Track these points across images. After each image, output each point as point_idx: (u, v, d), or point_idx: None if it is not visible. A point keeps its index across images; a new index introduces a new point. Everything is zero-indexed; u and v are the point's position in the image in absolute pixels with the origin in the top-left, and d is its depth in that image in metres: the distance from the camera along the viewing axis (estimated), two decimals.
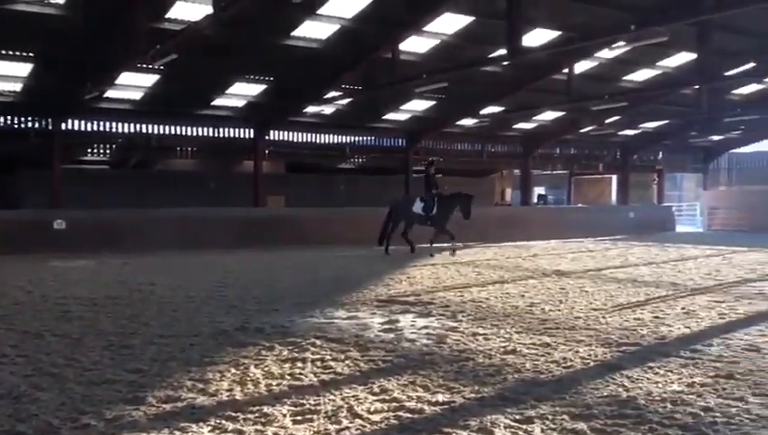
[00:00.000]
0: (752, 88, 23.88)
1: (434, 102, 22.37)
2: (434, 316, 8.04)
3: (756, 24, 17.31)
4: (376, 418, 4.34)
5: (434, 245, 16.80)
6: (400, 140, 25.71)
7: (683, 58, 19.31)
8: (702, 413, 4.39)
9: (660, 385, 5.04)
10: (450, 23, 16.03)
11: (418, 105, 22.79)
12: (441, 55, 17.46)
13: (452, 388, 4.99)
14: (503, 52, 14.36)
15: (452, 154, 27.50)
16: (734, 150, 31.85)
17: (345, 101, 21.51)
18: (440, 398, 4.74)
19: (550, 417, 4.32)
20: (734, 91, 24.02)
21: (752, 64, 20.26)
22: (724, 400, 4.68)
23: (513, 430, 4.11)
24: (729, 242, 21.51)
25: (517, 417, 4.33)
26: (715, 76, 18.62)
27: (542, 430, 4.09)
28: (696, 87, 20.39)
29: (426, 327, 7.32)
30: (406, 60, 17.06)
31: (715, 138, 30.99)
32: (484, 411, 4.44)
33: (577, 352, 6.15)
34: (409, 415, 4.41)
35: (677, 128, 29.13)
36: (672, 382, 5.12)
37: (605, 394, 4.82)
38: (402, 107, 22.90)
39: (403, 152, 25.68)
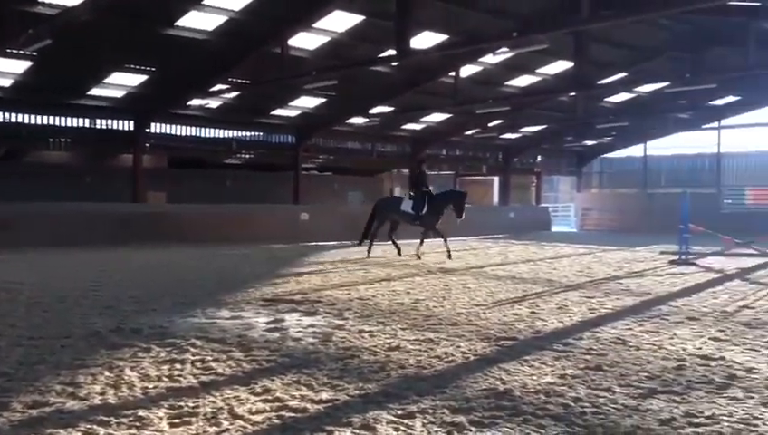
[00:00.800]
0: (622, 96, 25.45)
1: (324, 100, 22.32)
2: (320, 315, 8.01)
3: (628, 37, 18.47)
4: (257, 418, 4.26)
5: (422, 244, 15.96)
6: (290, 137, 25.45)
7: (561, 66, 20.28)
8: (573, 404, 4.61)
9: (535, 377, 5.26)
10: (340, 21, 16.04)
11: (308, 102, 22.65)
12: (331, 53, 17.44)
13: (336, 386, 4.98)
14: (392, 52, 14.54)
15: (342, 152, 27.56)
16: (605, 155, 33.81)
17: (232, 95, 21.04)
18: (324, 396, 4.72)
19: (431, 411, 4.40)
20: (607, 99, 25.51)
21: (623, 74, 21.60)
22: (593, 390, 4.94)
23: (394, 425, 4.15)
24: (600, 241, 22.86)
25: (399, 412, 4.38)
26: (590, 84, 19.71)
27: (423, 425, 4.16)
28: (573, 94, 21.50)
29: (312, 326, 7.28)
30: (295, 56, 16.89)
31: (589, 143, 32.83)
32: (368, 408, 4.46)
33: (458, 347, 6.31)
34: (292, 414, 4.36)
35: (555, 133, 30.61)
36: (546, 374, 5.35)
37: (483, 387, 4.97)
38: (291, 103, 22.69)
39: (293, 149, 25.44)
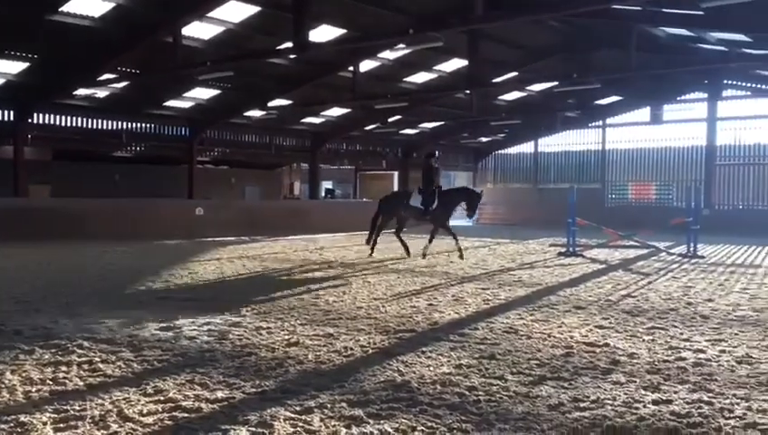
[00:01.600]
0: (515, 95, 26.31)
1: (219, 92, 21.75)
2: (216, 312, 7.81)
3: (520, 37, 19.10)
4: (149, 420, 4.10)
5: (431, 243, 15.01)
6: (183, 129, 24.64)
7: (456, 64, 20.71)
8: (467, 392, 4.72)
9: (432, 368, 5.35)
10: (236, 11, 15.66)
11: (203, 93, 22.00)
12: (226, 44, 17.00)
13: (232, 384, 4.88)
14: (289, 45, 14.36)
15: (239, 146, 26.99)
16: (499, 151, 34.90)
17: (122, 85, 20.13)
18: (219, 395, 4.61)
19: (329, 406, 4.39)
20: (500, 97, 26.30)
21: (515, 73, 22.32)
22: (487, 379, 5.08)
23: (292, 421, 4.11)
24: (494, 234, 23.60)
25: (297, 408, 4.34)
26: (484, 82, 20.25)
27: (321, 420, 4.14)
28: (468, 92, 22.01)
29: (207, 324, 7.09)
30: (189, 46, 16.35)
31: (484, 139, 33.76)
32: (265, 405, 4.40)
33: (357, 340, 6.33)
34: (186, 415, 4.23)
35: (451, 129, 31.26)
36: (442, 365, 5.46)
37: (382, 380, 5.01)
38: (185, 94, 21.97)
39: (187, 142, 24.67)
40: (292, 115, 25.80)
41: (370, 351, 5.97)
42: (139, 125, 23.93)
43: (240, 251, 16.19)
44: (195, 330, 6.78)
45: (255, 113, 24.46)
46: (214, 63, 15.90)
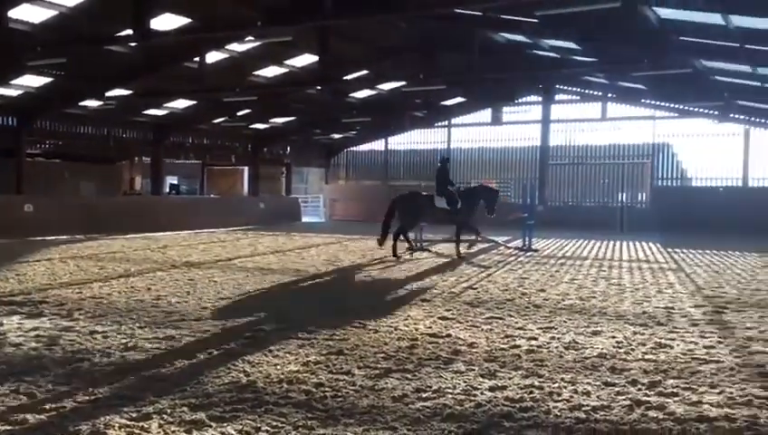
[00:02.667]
0: (366, 93, 26.67)
1: (52, 79, 20.18)
2: (46, 316, 7.26)
3: (370, 36, 19.36)
4: None
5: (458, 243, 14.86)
6: (11, 119, 22.62)
7: (307, 59, 20.63)
8: (314, 389, 4.72)
9: (278, 367, 5.29)
10: None
11: (33, 81, 20.30)
12: (60, 28, 15.79)
13: (63, 392, 4.57)
14: (129, 32, 13.61)
15: (74, 138, 25.21)
16: (351, 148, 35.25)
17: None
18: (48, 405, 4.29)
19: (169, 411, 4.21)
20: (352, 95, 26.54)
21: (365, 72, 22.63)
22: (334, 375, 5.11)
23: (128, 428, 3.90)
24: (347, 231, 23.81)
25: (134, 415, 4.14)
26: (335, 79, 20.34)
27: (160, 425, 3.97)
28: (319, 88, 22.02)
29: (35, 329, 6.57)
30: (16, 29, 15.02)
31: (336, 136, 33.95)
32: (98, 413, 4.15)
33: (201, 342, 6.12)
34: (9, 427, 3.89)
35: (304, 125, 31.14)
36: (289, 363, 5.42)
37: (226, 381, 4.88)
38: (13, 82, 20.17)
39: (14, 133, 22.66)
40: (133, 106, 24.48)
41: (215, 352, 5.80)
42: None
43: (74, 251, 15.15)
44: (21, 336, 6.26)
45: (93, 103, 22.97)
46: (45, 49, 14.72)
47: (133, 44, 16.24)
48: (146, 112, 25.76)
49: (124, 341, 6.13)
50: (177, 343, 6.10)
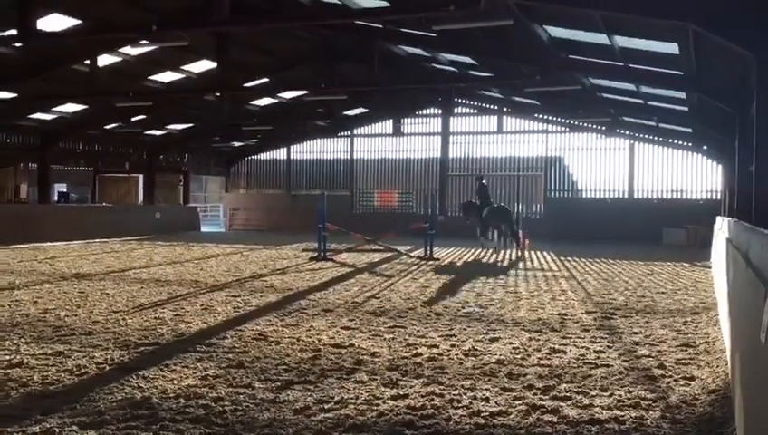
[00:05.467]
0: (267, 101, 26.37)
1: None
2: None
3: (271, 45, 19.18)
4: None
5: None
6: None
7: (205, 65, 20.18)
8: (213, 404, 4.59)
9: (176, 381, 5.12)
10: None
11: None
12: None
13: None
14: (13, 32, 12.84)
15: None
16: (252, 156, 34.70)
17: None
18: None
19: (57, 430, 3.99)
20: (253, 102, 26.17)
21: (266, 79, 22.38)
22: (234, 388, 4.99)
23: None
24: (247, 240, 23.40)
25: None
26: (234, 86, 20.01)
27: None
28: (218, 94, 21.58)
29: None
30: None
31: (237, 144, 33.32)
32: None
33: (93, 357, 5.84)
34: None
35: (202, 132, 30.39)
36: (187, 377, 5.25)
37: (119, 398, 4.67)
38: None
39: None
40: (18, 110, 23.11)
41: (107, 368, 5.54)
42: None
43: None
44: None
45: None
46: None
47: (17, 45, 15.38)
48: (32, 117, 24.36)
49: (8, 357, 5.75)
50: (65, 358, 5.78)
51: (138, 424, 4.14)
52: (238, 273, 13.18)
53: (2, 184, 29.79)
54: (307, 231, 22.13)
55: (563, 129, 28.33)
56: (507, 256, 17.33)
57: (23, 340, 6.52)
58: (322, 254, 16.25)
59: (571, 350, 6.44)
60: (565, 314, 8.53)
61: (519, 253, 18.05)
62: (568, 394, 4.94)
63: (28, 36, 12.21)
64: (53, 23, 14.76)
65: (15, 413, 4.29)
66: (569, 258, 17.40)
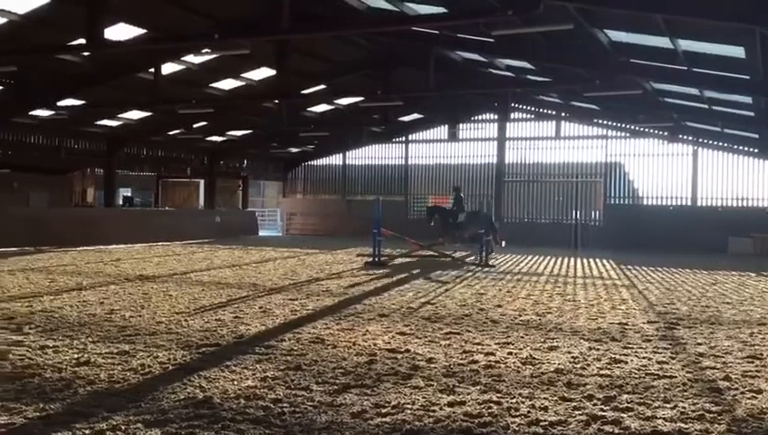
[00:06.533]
0: (323, 107, 26.67)
1: (0, 88, 19.65)
2: None
3: (328, 52, 19.41)
4: None
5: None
6: None
7: (265, 73, 20.54)
8: (272, 405, 4.66)
9: (236, 382, 5.22)
10: (21, 1, 14.25)
11: None
12: (10, 36, 15.40)
13: (12, 408, 4.43)
14: (82, 41, 13.35)
15: (23, 148, 24.55)
16: (309, 162, 35.13)
17: None
18: None
19: (123, 427, 4.12)
20: (310, 109, 26.50)
21: (323, 86, 22.64)
22: (292, 390, 5.06)
23: None
24: (304, 245, 23.69)
25: (87, 431, 4.04)
26: (293, 93, 20.30)
27: None
28: (277, 101, 21.94)
29: None
30: None
31: (294, 150, 33.80)
32: (50, 430, 4.04)
33: (156, 357, 6.01)
34: None
35: (261, 138, 30.93)
36: (247, 378, 5.35)
37: (182, 397, 4.79)
38: None
39: None
40: (86, 116, 24.00)
41: (170, 367, 5.69)
42: None
43: (23, 263, 14.71)
44: None
45: (43, 113, 22.44)
46: None
47: (86, 54, 15.96)
48: (99, 123, 25.27)
49: (76, 356, 5.97)
50: (130, 358, 5.96)
51: (200, 423, 4.24)
52: (295, 277, 13.36)
53: (70, 188, 30.90)
54: (362, 236, 22.24)
55: (623, 134, 27.72)
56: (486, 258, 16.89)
57: (90, 339, 6.75)
58: (377, 259, 16.31)
59: (632, 360, 6.30)
60: (626, 324, 8.34)
61: (489, 253, 17.80)
62: (629, 405, 4.84)
63: (96, 46, 12.66)
64: (120, 32, 15.27)
65: (83, 410, 4.44)
66: (629, 267, 17.01)
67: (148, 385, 5.11)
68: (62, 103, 21.13)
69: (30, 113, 22.30)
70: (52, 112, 21.96)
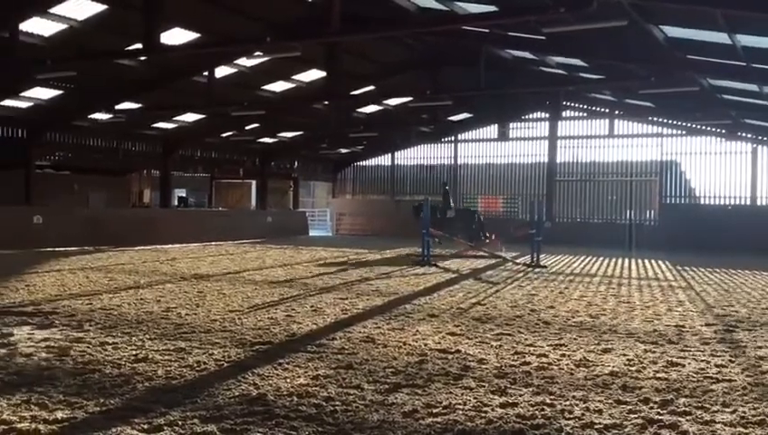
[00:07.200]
0: (373, 108, 26.78)
1: (61, 92, 20.34)
2: (56, 327, 7.29)
3: (376, 53, 19.49)
4: None
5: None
6: (20, 131, 22.77)
7: (315, 75, 20.75)
8: (324, 403, 4.71)
9: (288, 380, 5.29)
10: (80, 8, 14.72)
11: (42, 93, 20.46)
12: (70, 42, 15.95)
13: (74, 403, 4.57)
14: (139, 46, 13.72)
15: (83, 150, 25.37)
16: (358, 163, 35.34)
17: None
18: (60, 415, 4.30)
19: (180, 423, 4.21)
20: (359, 110, 26.66)
21: (372, 87, 22.73)
22: (344, 388, 5.10)
23: None
24: (353, 245, 23.82)
25: (145, 426, 4.14)
26: (342, 95, 20.45)
27: None
28: (326, 103, 22.13)
29: (46, 339, 6.60)
30: (27, 42, 15.18)
31: (343, 151, 34.06)
32: (110, 424, 4.15)
33: (211, 354, 6.13)
34: None
35: (311, 139, 31.26)
36: (299, 376, 5.41)
37: (236, 394, 4.88)
38: (22, 94, 20.32)
39: (23, 145, 22.81)
40: (143, 119, 24.66)
41: (225, 364, 5.80)
42: None
43: (83, 262, 15.20)
44: (32, 346, 6.28)
45: (102, 116, 23.14)
46: (56, 62, 14.85)
47: (143, 58, 16.39)
48: (155, 126, 25.94)
49: (134, 352, 6.13)
50: (186, 354, 6.10)
51: (254, 420, 4.31)
52: (345, 276, 13.44)
53: (128, 189, 31.80)
54: (410, 236, 22.24)
55: (680, 132, 27.03)
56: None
57: (147, 336, 6.93)
58: (426, 259, 16.29)
59: (689, 363, 6.14)
60: (683, 326, 8.14)
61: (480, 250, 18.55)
62: (687, 409, 4.72)
63: (153, 50, 12.99)
64: (175, 37, 15.63)
65: (141, 406, 4.56)
66: (685, 268, 16.58)
67: (203, 382, 5.22)
68: (119, 107, 21.75)
69: (89, 117, 23.02)
70: (111, 116, 22.61)
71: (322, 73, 19.75)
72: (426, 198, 18.94)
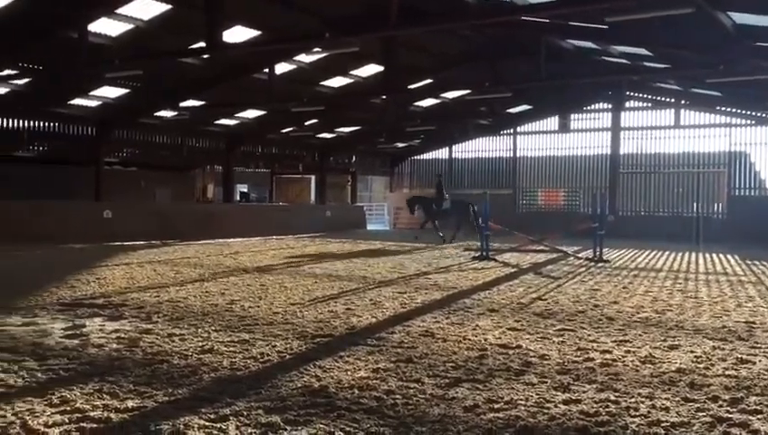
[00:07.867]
0: (429, 102, 26.70)
1: (128, 91, 21.01)
2: (126, 319, 7.55)
3: (434, 45, 19.41)
4: (55, 431, 3.92)
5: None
6: (90, 129, 23.64)
7: (372, 69, 20.83)
8: (385, 396, 4.74)
9: (349, 372, 5.35)
10: (146, 8, 15.17)
11: (110, 92, 21.18)
12: (136, 41, 16.46)
13: (143, 393, 4.73)
14: (202, 45, 14.05)
15: (150, 147, 26.17)
16: (415, 157, 35.31)
17: (23, 82, 19.14)
18: (130, 404, 4.45)
19: (245, 413, 4.31)
20: (416, 104, 26.63)
21: (429, 80, 22.66)
22: (404, 382, 5.12)
23: (207, 429, 4.01)
24: (410, 238, 23.82)
25: (212, 416, 4.24)
26: (399, 88, 20.45)
27: (237, 427, 4.06)
28: (384, 97, 22.18)
29: (116, 331, 6.84)
30: (96, 42, 15.73)
31: (400, 145, 34.08)
32: (178, 414, 4.28)
33: (274, 346, 6.24)
34: (94, 425, 4.06)
35: (368, 134, 31.41)
36: (360, 369, 5.46)
37: (299, 386, 4.96)
38: (92, 93, 21.09)
39: (93, 142, 23.67)
40: (206, 116, 25.24)
41: (287, 356, 5.90)
42: (42, 124, 22.78)
43: (151, 256, 15.69)
44: (103, 337, 6.52)
45: (167, 114, 23.80)
46: (123, 61, 15.35)
47: (206, 57, 16.77)
48: (218, 122, 26.52)
49: (201, 343, 6.30)
50: (250, 346, 6.23)
51: (316, 411, 4.38)
52: (403, 270, 13.47)
53: (192, 184, 32.64)
54: (468, 230, 22.13)
55: (749, 121, 26.03)
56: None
57: (212, 328, 7.11)
58: (485, 253, 16.17)
59: (760, 360, 5.93)
60: (753, 323, 7.85)
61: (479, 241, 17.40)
62: (758, 407, 4.56)
63: (215, 48, 13.29)
64: (237, 35, 15.93)
65: (208, 396, 4.68)
66: (755, 262, 15.97)
67: (267, 373, 5.32)
68: (184, 104, 22.32)
69: (155, 114, 23.70)
70: (175, 113, 23.23)
71: (380, 68, 19.81)
72: (485, 191, 18.79)
